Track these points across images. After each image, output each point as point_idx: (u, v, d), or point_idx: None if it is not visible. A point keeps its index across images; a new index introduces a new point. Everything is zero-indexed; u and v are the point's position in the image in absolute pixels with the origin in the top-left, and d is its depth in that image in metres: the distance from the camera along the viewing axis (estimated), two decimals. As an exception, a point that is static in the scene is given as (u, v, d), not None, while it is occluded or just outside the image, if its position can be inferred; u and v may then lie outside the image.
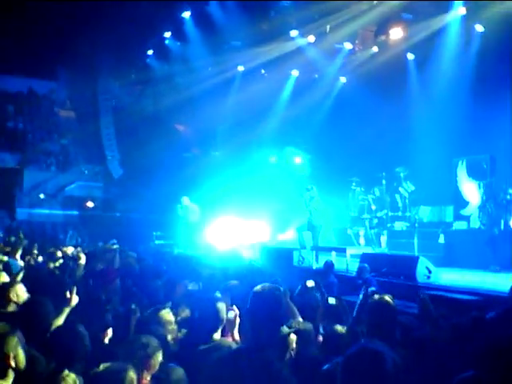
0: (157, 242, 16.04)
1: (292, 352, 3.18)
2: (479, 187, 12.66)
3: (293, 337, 3.12)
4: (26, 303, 4.23)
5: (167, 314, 3.99)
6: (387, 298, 3.83)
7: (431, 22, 13.12)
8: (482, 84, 12.77)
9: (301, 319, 4.04)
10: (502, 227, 11.12)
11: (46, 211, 20.36)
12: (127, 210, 18.25)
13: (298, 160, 18.27)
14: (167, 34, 17.10)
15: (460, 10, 12.62)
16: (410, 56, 15.03)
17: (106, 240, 13.78)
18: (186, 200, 14.77)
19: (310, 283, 5.13)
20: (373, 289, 7.40)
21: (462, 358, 3.21)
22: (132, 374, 2.69)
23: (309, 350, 3.48)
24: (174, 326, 3.97)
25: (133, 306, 4.43)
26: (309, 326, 3.76)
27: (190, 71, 17.00)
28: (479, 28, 12.81)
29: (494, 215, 11.50)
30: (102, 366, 2.59)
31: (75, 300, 4.10)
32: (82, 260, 6.74)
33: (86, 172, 22.28)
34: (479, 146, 13.38)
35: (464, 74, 13.24)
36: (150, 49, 18.28)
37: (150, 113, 19.31)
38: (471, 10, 12.43)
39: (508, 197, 11.13)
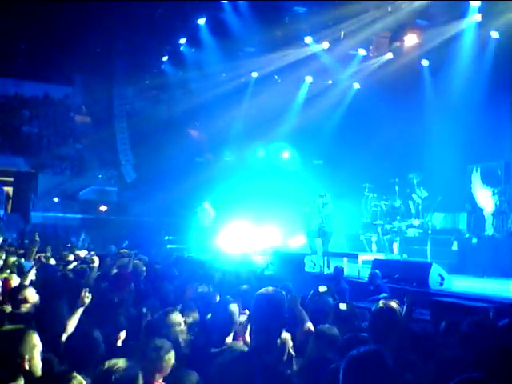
0: (169, 246, 16.12)
1: (291, 352, 3.17)
2: (493, 194, 12.54)
3: (287, 336, 3.11)
4: (40, 305, 4.27)
5: (176, 316, 4.01)
6: (393, 303, 3.81)
7: (446, 28, 13.09)
8: (497, 91, 12.69)
9: (310, 324, 4.04)
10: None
11: (60, 215, 20.56)
12: (140, 214, 18.38)
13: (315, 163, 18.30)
14: (182, 41, 17.25)
15: (475, 17, 12.57)
16: (425, 62, 14.98)
17: (118, 244, 13.88)
18: (206, 204, 14.93)
19: (323, 288, 5.14)
20: (385, 295, 7.40)
21: (471, 364, 3.19)
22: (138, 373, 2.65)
23: (328, 355, 3.47)
24: (183, 328, 3.99)
25: (144, 310, 4.46)
26: (335, 331, 3.74)
27: (204, 77, 17.13)
28: (494, 35, 12.74)
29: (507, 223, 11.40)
30: (107, 364, 2.57)
31: (88, 301, 4.13)
32: (96, 263, 6.81)
33: (100, 176, 22.49)
34: (494, 152, 13.28)
35: (478, 81, 13.17)
36: (164, 55, 18.45)
37: (164, 118, 19.46)
38: (487, 17, 12.37)
39: (523, 204, 11.04)
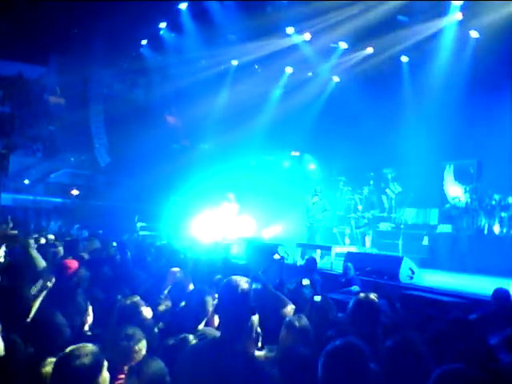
0: (141, 232, 15.95)
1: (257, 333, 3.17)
2: (465, 191, 12.79)
3: (255, 318, 3.11)
4: (5, 287, 4.17)
5: (145, 306, 3.98)
6: (372, 296, 3.88)
7: (427, 25, 13.18)
8: (473, 90, 12.89)
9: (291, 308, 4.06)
10: (486, 232, 11.26)
11: (31, 197, 20.13)
12: (112, 200, 18.11)
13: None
14: (162, 25, 16.96)
15: (456, 15, 12.69)
16: (404, 58, 15.09)
17: (89, 228, 13.69)
18: (231, 196, 14.99)
19: (306, 281, 5.20)
20: (357, 288, 7.49)
21: (442, 358, 3.24)
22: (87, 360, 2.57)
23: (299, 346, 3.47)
24: (150, 319, 3.96)
25: (119, 297, 4.41)
26: (304, 321, 3.75)
27: (183, 63, 16.88)
28: (474, 34, 12.90)
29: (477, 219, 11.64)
30: (70, 349, 2.49)
31: (50, 284, 4.07)
32: (60, 247, 6.70)
33: (73, 159, 22.07)
34: (467, 150, 13.52)
35: (456, 80, 13.33)
36: (144, 38, 18.12)
37: (141, 102, 19.18)
38: (467, 16, 12.50)
39: (493, 202, 11.27)
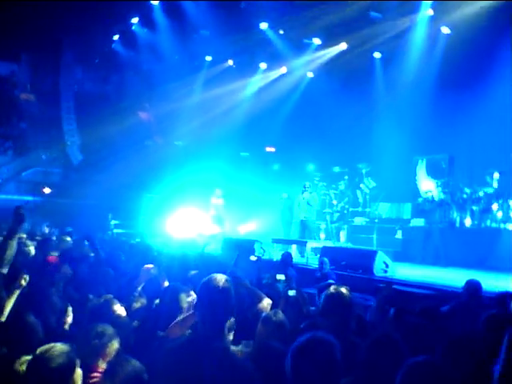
0: (115, 230, 15.76)
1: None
2: (437, 186, 13.00)
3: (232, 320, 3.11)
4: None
5: (119, 304, 3.95)
6: (343, 289, 3.91)
7: (399, 21, 13.32)
8: (445, 86, 13.09)
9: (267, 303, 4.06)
10: (458, 225, 11.47)
11: (2, 196, 19.68)
12: (85, 197, 17.83)
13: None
14: (134, 20, 16.75)
15: (428, 12, 12.85)
16: (377, 55, 15.22)
17: (61, 227, 13.44)
18: (218, 192, 14.95)
19: (280, 276, 5.21)
20: (331, 281, 7.53)
21: (416, 348, 3.28)
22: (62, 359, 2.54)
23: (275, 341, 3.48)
24: (124, 316, 3.92)
25: (90, 296, 4.35)
26: (281, 316, 3.76)
27: (156, 59, 16.72)
28: (445, 30, 13.09)
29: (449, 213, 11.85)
30: (42, 349, 2.46)
31: (24, 283, 3.99)
32: (31, 247, 6.57)
33: (44, 157, 21.64)
34: (439, 145, 13.74)
35: (428, 76, 13.53)
36: (115, 34, 17.86)
37: (113, 99, 18.91)
38: (438, 12, 12.67)
39: (464, 196, 11.48)
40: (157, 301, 4.20)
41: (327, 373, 2.25)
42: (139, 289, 4.81)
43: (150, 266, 5.36)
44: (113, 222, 16.29)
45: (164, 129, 18.05)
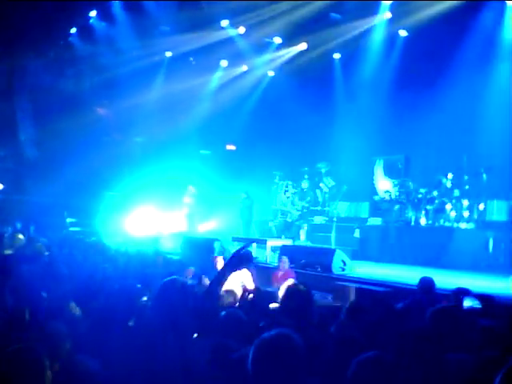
0: (71, 228, 15.37)
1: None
2: (394, 185, 13.28)
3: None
4: None
5: (73, 304, 3.86)
6: (302, 286, 3.97)
7: (358, 23, 13.53)
8: (401, 88, 13.39)
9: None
10: (413, 224, 11.76)
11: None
12: (40, 195, 17.30)
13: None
14: (92, 13, 16.36)
15: (386, 14, 13.11)
16: (337, 55, 15.42)
17: (14, 225, 13.02)
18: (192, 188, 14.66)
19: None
20: (291, 280, 7.58)
21: (372, 344, 3.33)
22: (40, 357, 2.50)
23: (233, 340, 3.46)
24: (79, 316, 3.84)
25: (43, 294, 4.25)
26: (240, 314, 3.76)
27: (114, 53, 16.36)
28: (403, 33, 13.39)
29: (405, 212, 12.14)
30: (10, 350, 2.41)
31: None
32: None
33: (-3, 153, 20.88)
34: (396, 146, 14.05)
35: (386, 77, 13.82)
36: (73, 27, 17.39)
37: (70, 93, 18.40)
38: (396, 15, 12.95)
39: (419, 195, 11.78)
40: (112, 299, 4.12)
41: (290, 369, 2.23)
42: (95, 288, 4.71)
43: (107, 265, 5.27)
44: (68, 220, 15.88)
45: (123, 125, 17.71)
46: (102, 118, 18.20)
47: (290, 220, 12.34)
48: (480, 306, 4.55)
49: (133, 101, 16.34)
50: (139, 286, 4.26)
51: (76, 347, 3.24)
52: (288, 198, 12.47)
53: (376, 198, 14.05)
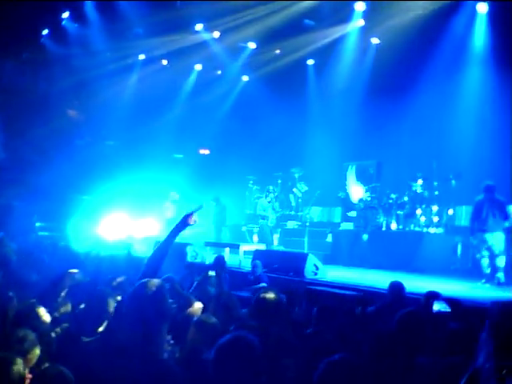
0: (40, 233, 15.06)
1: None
2: (366, 191, 13.45)
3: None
4: None
5: (42, 309, 3.79)
6: (271, 295, 3.97)
7: (332, 30, 13.69)
8: (373, 95, 13.59)
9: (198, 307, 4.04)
10: (384, 228, 11.93)
11: None
12: (8, 198, 16.90)
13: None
14: (65, 15, 16.14)
15: (359, 22, 13.29)
16: (310, 62, 15.56)
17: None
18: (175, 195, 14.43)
19: (212, 273, 5.23)
20: (264, 284, 7.60)
21: (342, 347, 3.37)
22: (19, 366, 2.47)
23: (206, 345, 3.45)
24: (48, 322, 3.77)
25: (10, 294, 4.15)
26: (213, 320, 3.75)
27: (87, 55, 16.16)
28: (375, 40, 13.60)
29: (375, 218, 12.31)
30: None
31: None
32: None
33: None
34: (368, 152, 14.24)
35: (358, 84, 14.01)
36: (45, 28, 17.11)
37: (41, 95, 18.09)
38: (369, 23, 13.15)
39: (390, 201, 11.96)
40: (81, 306, 4.05)
41: (248, 370, 2.31)
42: (63, 294, 4.62)
43: (75, 270, 5.17)
44: (38, 225, 15.55)
45: (95, 128, 17.48)
46: (74, 121, 17.93)
47: (271, 225, 12.32)
48: (449, 310, 4.64)
49: (105, 103, 16.15)
50: (111, 290, 4.19)
51: (46, 354, 3.18)
52: (269, 202, 12.40)
53: (349, 203, 14.17)
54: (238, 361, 2.32)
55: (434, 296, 4.93)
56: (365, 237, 11.73)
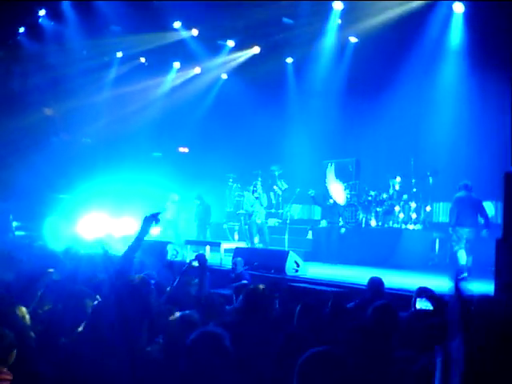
0: (17, 232, 14.81)
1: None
2: (345, 188, 13.54)
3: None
4: None
5: (21, 309, 3.73)
6: (261, 286, 4.09)
7: (310, 28, 13.72)
8: (351, 93, 13.70)
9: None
10: (364, 225, 12.03)
11: None
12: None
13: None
14: (41, 12, 15.90)
15: (337, 20, 13.36)
16: (289, 60, 15.60)
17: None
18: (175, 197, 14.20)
19: (195, 263, 5.28)
20: (245, 282, 7.60)
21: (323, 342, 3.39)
22: None
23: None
24: (27, 321, 3.71)
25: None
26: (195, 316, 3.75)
27: (63, 52, 15.92)
28: (353, 39, 13.69)
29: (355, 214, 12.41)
30: None
31: None
32: None
33: None
34: (347, 150, 14.34)
35: (337, 82, 14.09)
36: (21, 26, 16.83)
37: (17, 93, 17.77)
38: (347, 21, 13.22)
39: (369, 198, 12.07)
40: (59, 306, 4.00)
41: (217, 362, 2.45)
42: (39, 294, 4.55)
43: (52, 270, 5.10)
44: (14, 224, 15.28)
45: (71, 125, 17.23)
46: (49, 118, 17.65)
47: (259, 221, 12.05)
48: (431, 308, 4.71)
49: (81, 101, 15.94)
50: (89, 290, 4.15)
51: (25, 353, 3.14)
52: (257, 198, 12.19)
53: (329, 200, 14.23)
54: (208, 355, 2.44)
55: (424, 292, 4.98)
56: (342, 230, 11.83)
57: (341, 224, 12.09)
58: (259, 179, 14.09)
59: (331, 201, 12.71)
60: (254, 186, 12.17)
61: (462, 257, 9.11)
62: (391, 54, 12.53)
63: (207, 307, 4.27)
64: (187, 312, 3.83)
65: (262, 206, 12.16)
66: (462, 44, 11.94)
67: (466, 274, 9.00)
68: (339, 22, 13.33)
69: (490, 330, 3.13)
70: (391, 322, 3.96)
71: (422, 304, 4.95)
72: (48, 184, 14.32)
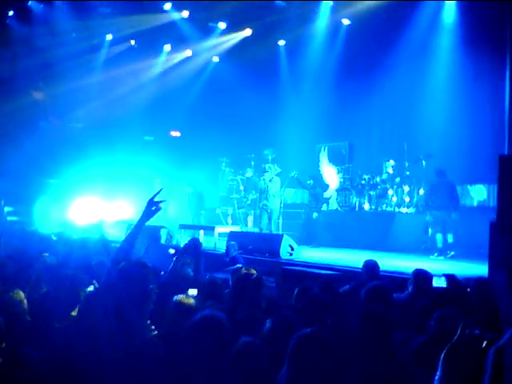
0: (9, 218, 14.70)
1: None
2: (338, 172, 13.53)
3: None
4: None
5: (19, 293, 3.69)
6: (253, 271, 4.08)
7: (302, 10, 13.57)
8: (345, 76, 13.60)
9: None
10: (357, 209, 12.05)
11: None
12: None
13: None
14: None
15: (330, 2, 13.20)
16: (281, 42, 15.44)
17: None
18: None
19: (172, 251, 5.29)
20: (239, 265, 7.58)
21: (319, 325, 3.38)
22: None
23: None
24: (25, 305, 3.67)
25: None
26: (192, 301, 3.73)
27: (52, 35, 15.63)
28: (345, 21, 13.55)
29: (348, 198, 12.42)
30: None
31: None
32: None
33: None
34: (340, 133, 14.30)
35: (329, 65, 13.98)
36: (10, 9, 16.48)
37: (5, 76, 17.48)
38: (339, 4, 13.07)
39: (363, 181, 12.06)
40: (53, 290, 3.96)
41: (217, 343, 2.51)
42: (33, 278, 4.52)
43: (46, 254, 5.05)
44: (6, 210, 15.16)
45: (61, 109, 17.00)
46: (39, 102, 17.40)
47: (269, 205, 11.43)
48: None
49: (71, 84, 15.70)
50: (83, 274, 4.11)
51: (17, 338, 3.11)
52: (270, 181, 11.63)
53: (322, 184, 14.20)
54: (207, 336, 2.50)
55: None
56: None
57: (323, 209, 12.07)
58: (252, 163, 14.03)
59: (311, 181, 12.46)
60: (264, 170, 11.58)
61: (439, 239, 9.63)
62: (384, 36, 12.43)
63: (209, 291, 4.27)
64: (184, 295, 3.81)
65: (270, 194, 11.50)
66: (456, 23, 11.87)
67: (453, 253, 9.29)
68: (331, 3, 13.17)
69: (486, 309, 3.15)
70: (386, 302, 3.98)
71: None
72: (38, 168, 14.18)
